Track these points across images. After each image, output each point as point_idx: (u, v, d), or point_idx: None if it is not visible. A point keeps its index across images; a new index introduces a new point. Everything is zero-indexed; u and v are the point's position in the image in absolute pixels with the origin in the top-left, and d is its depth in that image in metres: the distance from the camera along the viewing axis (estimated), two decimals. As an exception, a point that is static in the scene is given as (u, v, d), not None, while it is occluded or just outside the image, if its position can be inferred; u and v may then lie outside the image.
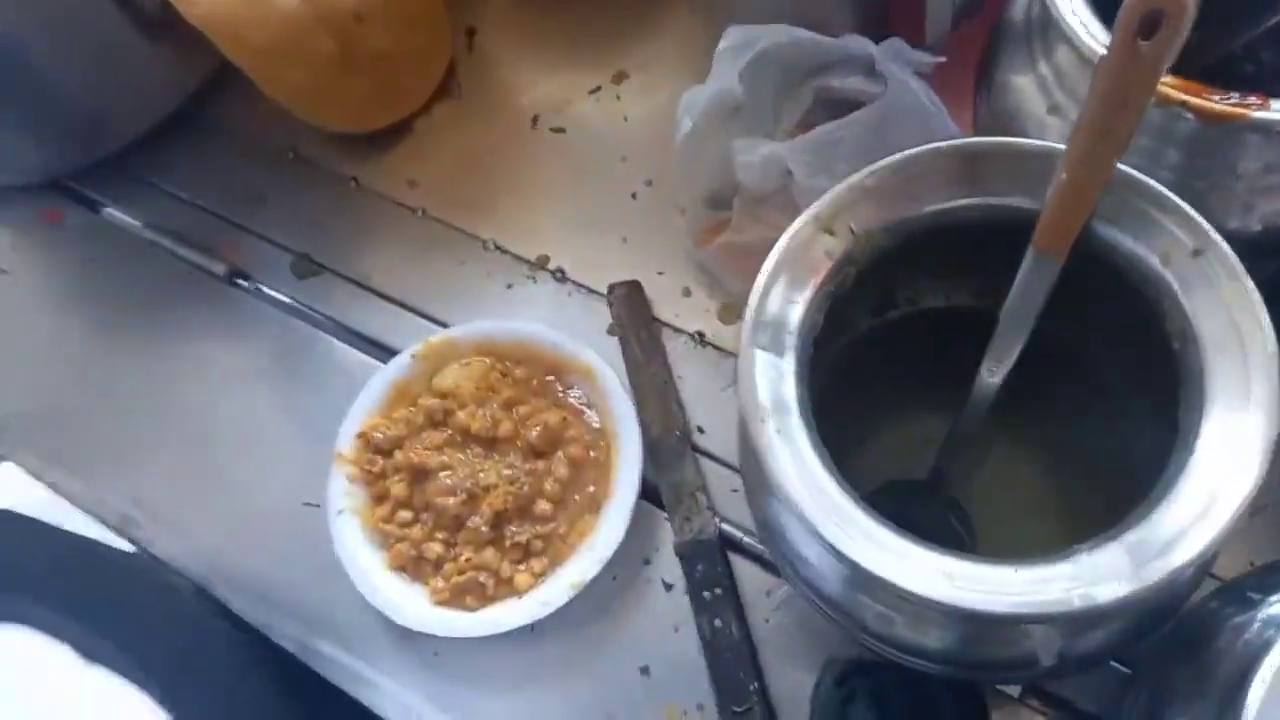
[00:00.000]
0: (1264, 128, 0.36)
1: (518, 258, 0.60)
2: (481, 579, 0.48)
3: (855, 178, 0.37)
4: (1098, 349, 0.41)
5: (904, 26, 0.50)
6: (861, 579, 0.32)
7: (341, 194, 0.64)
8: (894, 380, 0.45)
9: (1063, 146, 0.35)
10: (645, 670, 0.48)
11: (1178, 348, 0.34)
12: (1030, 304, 0.37)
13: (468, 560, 0.49)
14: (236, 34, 0.55)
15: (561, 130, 0.63)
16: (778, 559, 0.40)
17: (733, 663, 0.47)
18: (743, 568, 0.49)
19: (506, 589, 0.49)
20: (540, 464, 0.51)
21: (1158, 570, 0.30)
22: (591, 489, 0.50)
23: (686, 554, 0.49)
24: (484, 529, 0.49)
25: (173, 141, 0.67)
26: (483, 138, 0.63)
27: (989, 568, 0.31)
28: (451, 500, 0.49)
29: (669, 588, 0.50)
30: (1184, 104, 0.36)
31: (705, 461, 0.52)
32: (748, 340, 0.35)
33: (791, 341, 0.35)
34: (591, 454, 0.51)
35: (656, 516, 0.51)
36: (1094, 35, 0.39)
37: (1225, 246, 0.33)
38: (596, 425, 0.52)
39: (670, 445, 0.52)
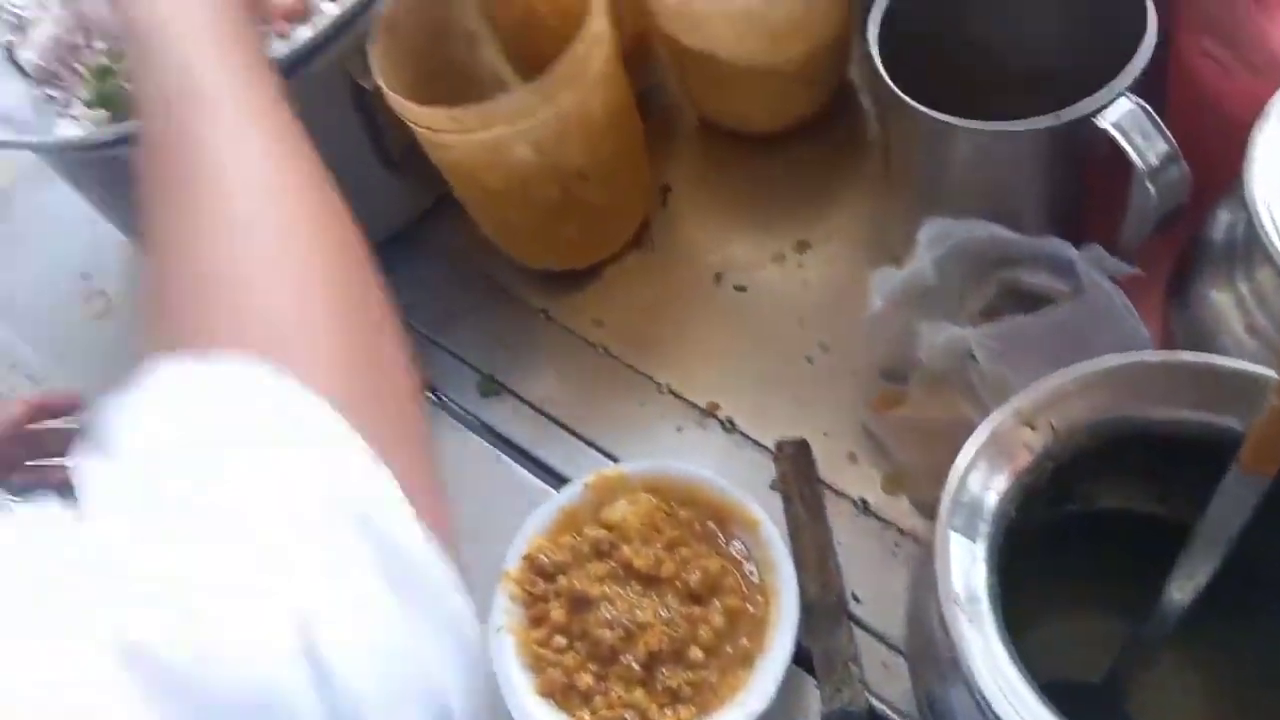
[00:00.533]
0: None
1: (690, 403, 0.62)
2: (628, 717, 0.49)
3: (1061, 376, 0.38)
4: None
5: (1096, 231, 0.52)
6: (1045, 780, 0.32)
7: (531, 324, 0.69)
8: (1068, 575, 0.45)
9: (1273, 372, 0.36)
10: (781, 837, 0.47)
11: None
12: (1229, 523, 0.37)
13: (618, 697, 0.50)
14: (476, 178, 0.61)
15: (743, 289, 0.66)
16: (939, 744, 0.40)
17: (873, 845, 0.46)
18: (889, 746, 0.49)
19: None
20: (697, 610, 0.52)
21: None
22: (745, 642, 0.51)
23: (833, 723, 0.49)
24: (636, 667, 0.50)
25: (383, 256, 0.73)
26: (668, 288, 0.68)
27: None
28: (608, 633, 0.51)
29: (812, 755, 0.49)
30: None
31: (859, 631, 0.52)
32: (944, 521, 0.36)
33: (985, 528, 0.36)
34: (749, 608, 0.52)
35: (805, 681, 0.51)
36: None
37: None
38: (755, 580, 0.53)
39: (826, 610, 0.52)
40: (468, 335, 0.69)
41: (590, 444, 0.62)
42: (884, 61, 0.52)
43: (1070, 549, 0.45)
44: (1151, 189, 0.47)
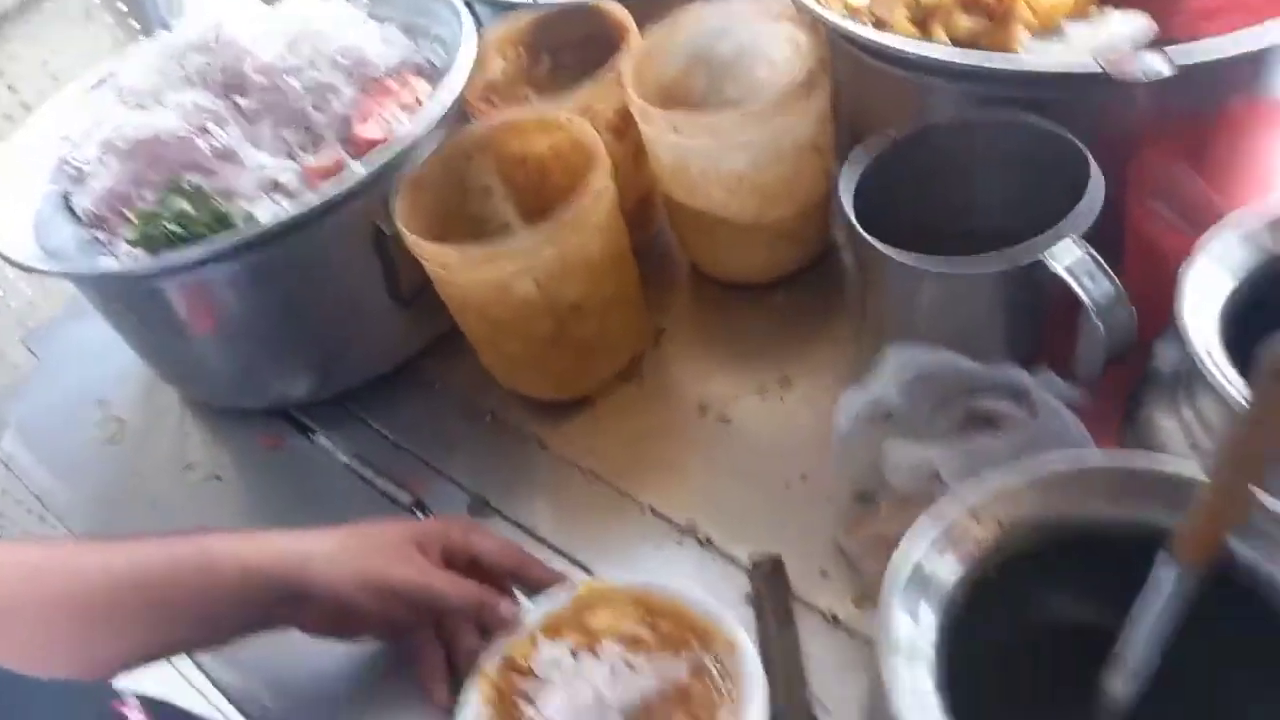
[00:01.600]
0: None
1: (669, 521, 0.65)
2: None
3: (1009, 475, 0.41)
4: (1236, 684, 0.41)
5: (1055, 364, 0.55)
6: None
7: (525, 452, 0.72)
8: (1016, 682, 0.45)
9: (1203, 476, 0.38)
10: None
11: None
12: (1166, 616, 0.38)
13: None
14: (481, 311, 0.66)
15: (727, 421, 0.69)
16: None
17: None
18: None
19: None
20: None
21: None
22: None
23: (802, 844, 0.48)
24: None
25: (389, 387, 0.78)
26: (656, 419, 0.71)
27: None
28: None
29: None
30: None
31: (829, 747, 0.52)
32: (889, 589, 0.38)
33: (928, 609, 0.38)
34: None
35: (774, 798, 0.51)
36: (1236, 386, 0.43)
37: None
38: (726, 693, 0.53)
39: (795, 723, 0.53)
40: (464, 462, 0.72)
41: (575, 562, 0.64)
42: (859, 218, 0.57)
43: (1017, 655, 0.45)
44: (1100, 326, 0.51)
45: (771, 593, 0.57)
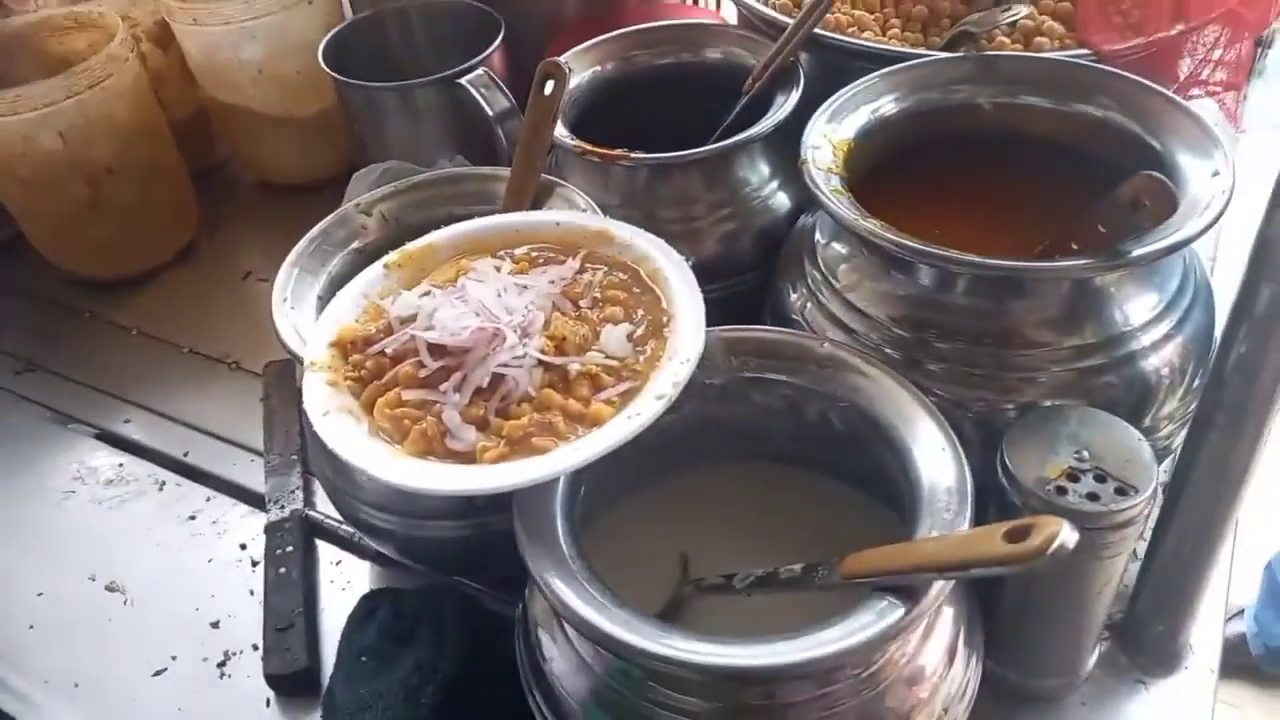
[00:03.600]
0: (634, 167, 0.56)
1: (206, 357, 0.75)
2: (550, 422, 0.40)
3: (399, 183, 0.56)
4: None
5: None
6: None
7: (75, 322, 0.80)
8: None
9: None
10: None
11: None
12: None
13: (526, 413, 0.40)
14: (7, 167, 0.72)
15: (265, 280, 0.80)
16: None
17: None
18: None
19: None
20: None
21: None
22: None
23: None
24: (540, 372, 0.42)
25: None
26: (211, 290, 0.82)
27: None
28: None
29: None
30: (582, 150, 0.56)
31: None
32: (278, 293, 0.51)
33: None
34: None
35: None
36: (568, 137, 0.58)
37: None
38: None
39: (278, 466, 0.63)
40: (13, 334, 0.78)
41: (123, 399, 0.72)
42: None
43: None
44: (500, 132, 0.67)
45: (279, 394, 0.69)
